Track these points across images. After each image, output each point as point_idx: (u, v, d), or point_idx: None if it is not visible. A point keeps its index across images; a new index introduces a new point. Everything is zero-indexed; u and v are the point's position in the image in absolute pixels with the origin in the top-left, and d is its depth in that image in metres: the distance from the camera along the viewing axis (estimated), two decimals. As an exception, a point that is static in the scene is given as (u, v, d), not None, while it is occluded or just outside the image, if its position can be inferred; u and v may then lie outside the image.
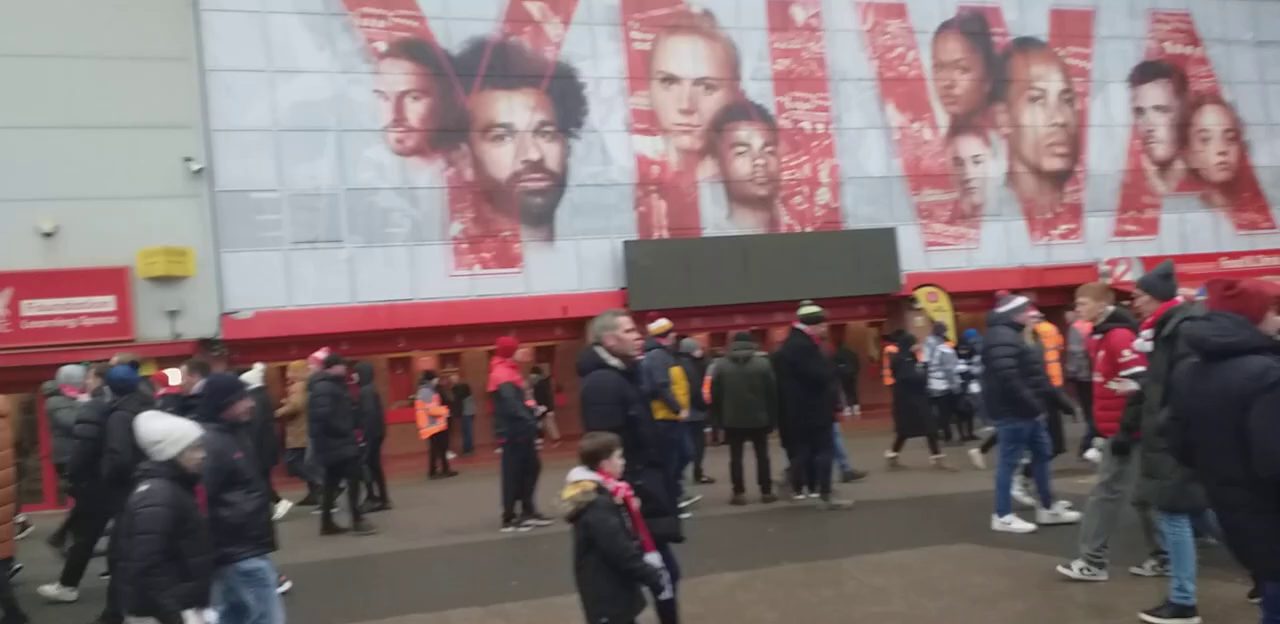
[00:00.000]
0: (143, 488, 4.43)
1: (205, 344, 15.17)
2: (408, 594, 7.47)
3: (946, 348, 13.99)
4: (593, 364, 5.12)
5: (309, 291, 16.07)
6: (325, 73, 16.66)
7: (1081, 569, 6.35)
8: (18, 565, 8.29)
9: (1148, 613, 5.49)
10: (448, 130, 17.39)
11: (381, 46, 17.12)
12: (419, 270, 16.84)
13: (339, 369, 10.73)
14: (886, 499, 10.05)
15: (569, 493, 4.40)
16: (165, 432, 4.55)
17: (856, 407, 20.04)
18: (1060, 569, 6.44)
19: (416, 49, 17.33)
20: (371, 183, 16.78)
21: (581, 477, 4.45)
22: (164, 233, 15.40)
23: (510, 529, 9.81)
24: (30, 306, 14.84)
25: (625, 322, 5.20)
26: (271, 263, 16.03)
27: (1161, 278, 5.92)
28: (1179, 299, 5.84)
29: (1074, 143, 21.95)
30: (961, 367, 13.88)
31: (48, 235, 15.05)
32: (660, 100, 18.84)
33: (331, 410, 10.26)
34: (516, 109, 17.83)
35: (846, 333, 21.65)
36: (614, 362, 5.09)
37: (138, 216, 15.26)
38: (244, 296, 15.81)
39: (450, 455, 15.83)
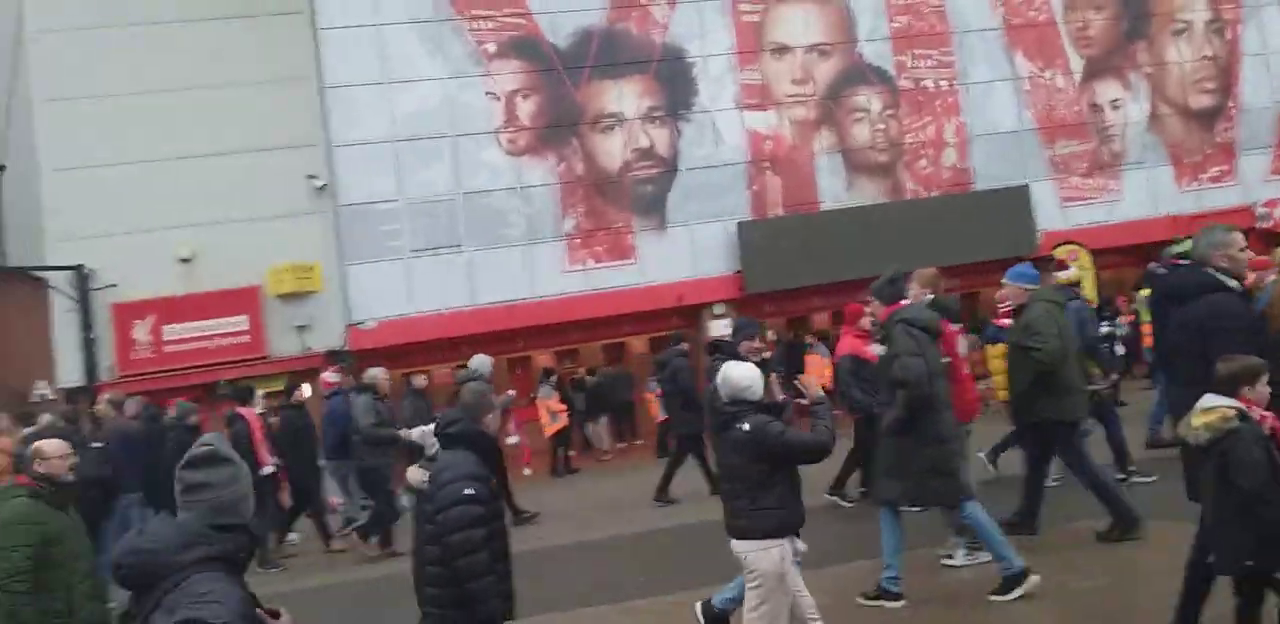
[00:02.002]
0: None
1: (332, 356, 15.68)
2: (540, 592, 7.63)
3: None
4: (1208, 286, 4.68)
5: (430, 297, 16.36)
6: (438, 79, 16.64)
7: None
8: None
9: (993, 594, 5.84)
10: (558, 126, 17.20)
11: (491, 47, 16.94)
12: (535, 269, 16.92)
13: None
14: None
15: (1203, 419, 4.07)
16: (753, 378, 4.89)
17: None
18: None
19: (525, 47, 17.07)
20: (486, 185, 16.81)
21: (1217, 403, 4.09)
22: (291, 250, 15.86)
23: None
24: (171, 331, 15.55)
25: (1239, 239, 4.84)
26: (393, 272, 16.35)
27: (888, 283, 6.30)
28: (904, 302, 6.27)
29: (1225, 77, 20.17)
30: (1104, 328, 13.15)
31: (185, 261, 15.66)
32: (772, 72, 18.11)
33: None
34: (625, 97, 17.45)
35: (979, 301, 20.81)
36: (1232, 283, 4.67)
37: (266, 236, 15.70)
38: (368, 307, 16.22)
39: (571, 452, 15.97)
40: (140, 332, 15.55)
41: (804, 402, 5.07)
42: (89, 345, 15.45)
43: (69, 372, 15.49)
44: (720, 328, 15.19)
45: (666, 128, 17.62)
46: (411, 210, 16.50)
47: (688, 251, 17.56)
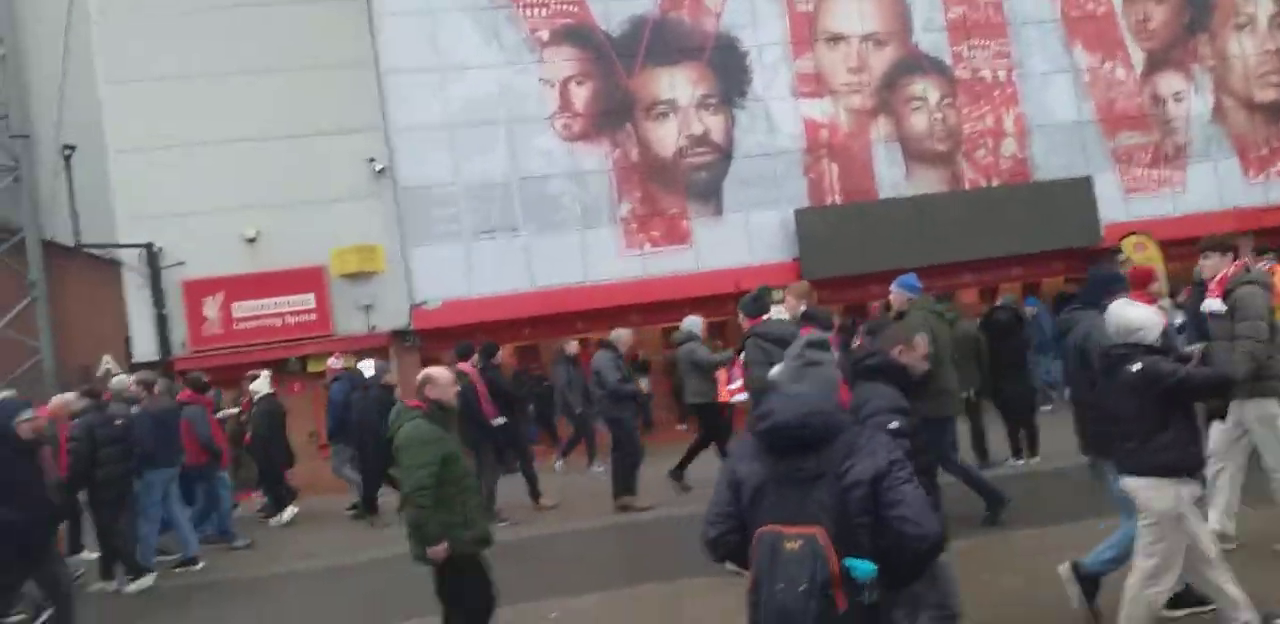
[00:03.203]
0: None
1: (398, 335, 15.92)
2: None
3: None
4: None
5: (489, 280, 16.56)
6: (492, 66, 16.98)
7: None
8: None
9: None
10: (612, 112, 17.44)
11: (544, 35, 17.29)
12: (591, 253, 17.06)
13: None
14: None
15: None
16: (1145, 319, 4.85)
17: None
18: None
19: (578, 34, 17.41)
20: (541, 170, 17.06)
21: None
22: (354, 232, 16.19)
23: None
24: (240, 308, 15.98)
25: None
26: (453, 254, 16.60)
27: (752, 300, 7.04)
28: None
29: (1291, 70, 19.81)
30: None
31: (251, 241, 16.10)
32: (826, 61, 18.23)
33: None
34: (679, 84, 17.67)
35: (1040, 290, 20.49)
36: None
37: (330, 218, 16.09)
38: (430, 288, 16.46)
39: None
40: (210, 308, 15.99)
41: None
42: (161, 322, 15.90)
43: (144, 347, 15.94)
44: (779, 313, 15.02)
45: (721, 115, 17.78)
46: (469, 194, 16.80)
47: (744, 238, 17.59)
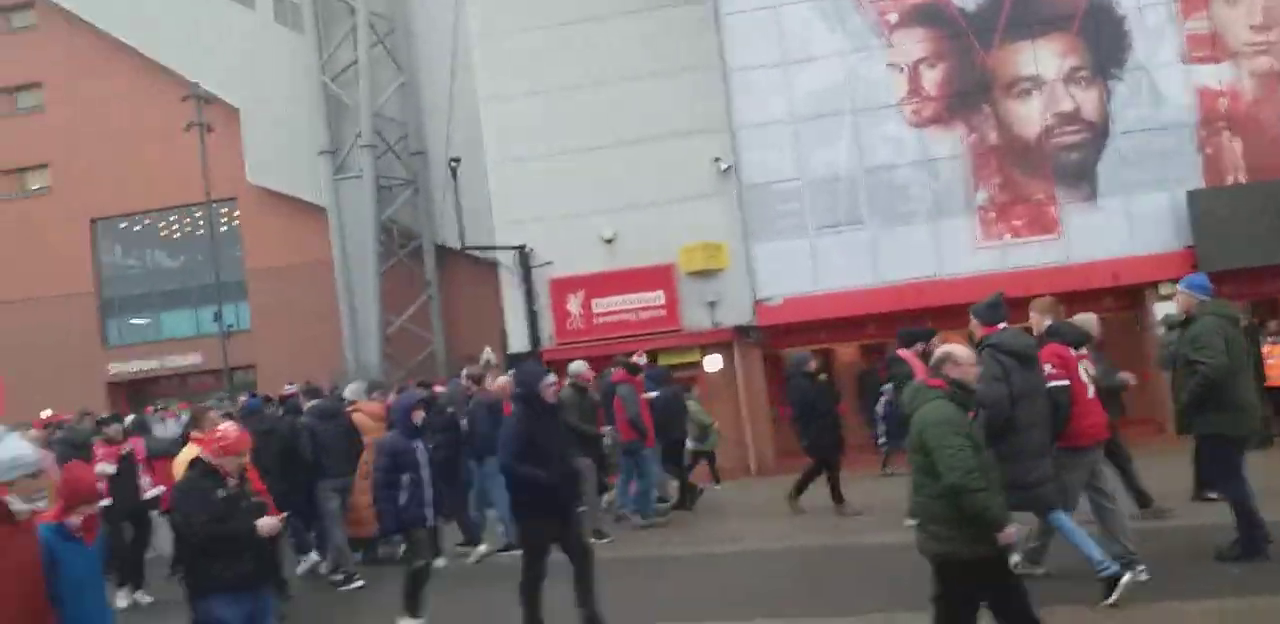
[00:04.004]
0: None
1: (741, 331, 16.05)
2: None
3: None
4: None
5: (833, 275, 16.21)
6: (838, 54, 16.62)
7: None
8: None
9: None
10: (967, 94, 16.37)
11: (892, 17, 16.62)
12: (943, 245, 16.12)
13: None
14: None
15: None
16: None
17: None
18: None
19: (929, 13, 16.53)
20: (889, 160, 16.41)
21: None
22: (700, 230, 16.58)
23: None
24: (599, 304, 16.99)
25: None
26: (796, 250, 16.46)
27: (986, 307, 6.67)
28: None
29: None
30: None
31: (609, 241, 17.03)
32: (1224, 20, 15.83)
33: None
34: (1043, 58, 16.18)
35: None
36: None
37: (678, 217, 16.61)
38: (773, 284, 16.45)
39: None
40: (573, 304, 17.17)
41: None
42: (532, 317, 17.29)
43: (517, 340, 17.43)
44: (1164, 310, 13.21)
45: (1094, 89, 16.03)
46: (813, 188, 16.55)
47: (1124, 224, 15.76)
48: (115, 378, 24.55)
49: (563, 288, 17.28)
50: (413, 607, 7.12)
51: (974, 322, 6.67)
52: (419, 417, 7.50)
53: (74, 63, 24.73)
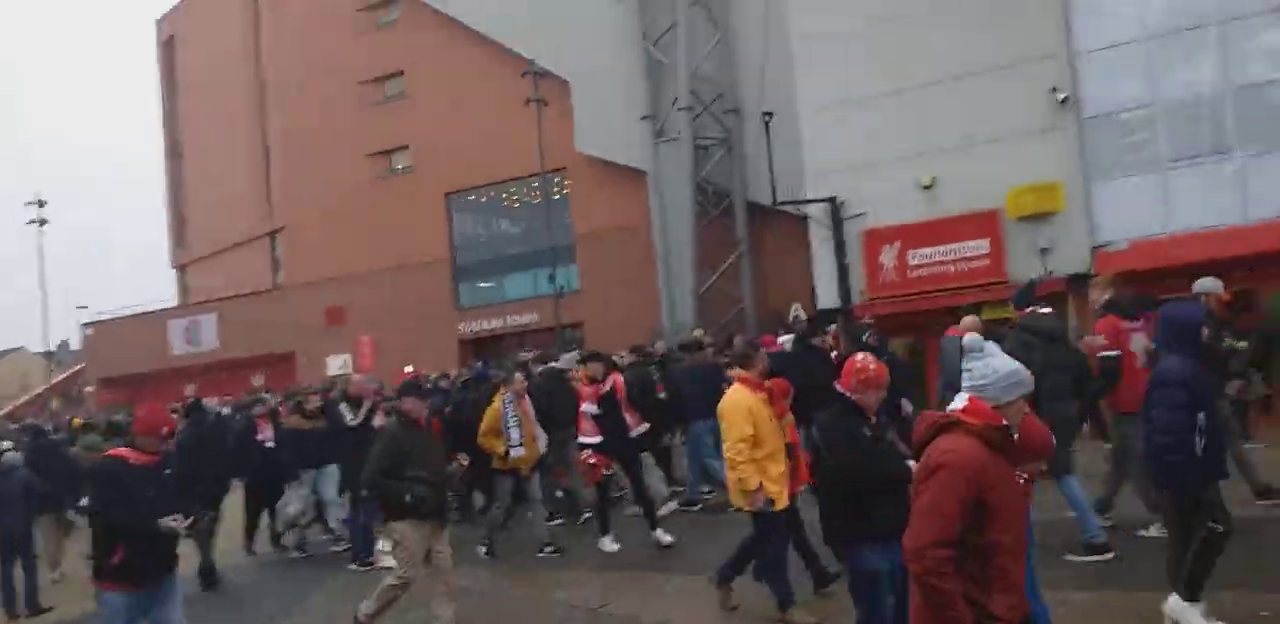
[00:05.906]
0: None
1: (1075, 281, 14.45)
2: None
3: None
4: None
5: (1190, 214, 14.10)
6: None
7: None
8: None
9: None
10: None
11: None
12: (1334, 175, 13.50)
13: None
14: None
15: None
16: None
17: None
18: None
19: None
20: (1265, 76, 13.90)
21: None
22: (1031, 170, 15.12)
23: None
24: (915, 256, 16.03)
25: None
26: (1144, 187, 14.52)
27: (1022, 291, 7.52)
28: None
29: None
30: None
31: (927, 188, 15.98)
32: None
33: None
34: None
35: None
36: None
37: (1005, 158, 15.24)
38: (1116, 227, 14.65)
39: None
40: (887, 257, 16.35)
41: None
42: (842, 272, 16.65)
43: (826, 296, 16.89)
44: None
45: None
46: (1168, 116, 14.46)
47: None
48: (465, 336, 26.85)
49: (876, 240, 16.47)
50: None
51: (1010, 306, 7.48)
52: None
53: (429, 51, 27.14)
